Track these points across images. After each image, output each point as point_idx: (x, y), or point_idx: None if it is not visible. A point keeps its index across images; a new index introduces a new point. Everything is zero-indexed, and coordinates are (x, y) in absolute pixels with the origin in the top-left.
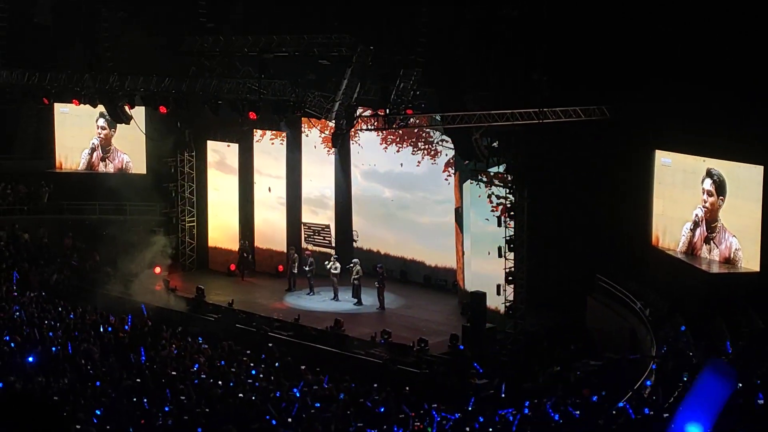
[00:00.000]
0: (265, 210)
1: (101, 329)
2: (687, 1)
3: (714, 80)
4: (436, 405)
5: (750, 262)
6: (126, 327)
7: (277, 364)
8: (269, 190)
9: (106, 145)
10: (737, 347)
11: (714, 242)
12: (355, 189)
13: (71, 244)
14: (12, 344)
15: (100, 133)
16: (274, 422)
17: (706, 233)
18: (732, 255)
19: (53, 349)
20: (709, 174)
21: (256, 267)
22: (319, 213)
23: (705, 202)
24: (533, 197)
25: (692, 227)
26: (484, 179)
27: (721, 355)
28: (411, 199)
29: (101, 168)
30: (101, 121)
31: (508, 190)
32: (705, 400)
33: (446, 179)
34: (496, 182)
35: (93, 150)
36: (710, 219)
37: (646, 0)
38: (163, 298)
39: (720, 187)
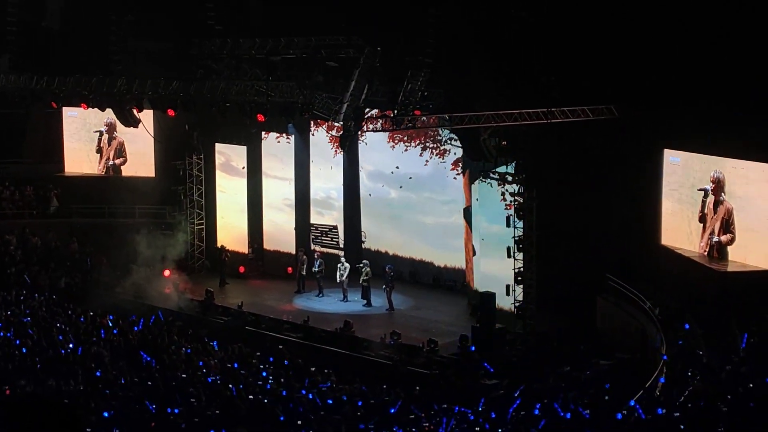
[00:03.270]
0: (273, 212)
1: (111, 332)
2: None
3: (722, 78)
4: (446, 406)
5: (761, 261)
6: (135, 329)
7: (286, 365)
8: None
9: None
10: (749, 346)
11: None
12: (362, 190)
13: (77, 248)
14: (23, 349)
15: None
16: (284, 424)
17: (717, 230)
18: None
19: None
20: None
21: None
22: (324, 214)
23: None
24: (542, 197)
25: (701, 225)
26: (496, 177)
27: (731, 354)
28: (417, 200)
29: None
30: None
31: (519, 188)
32: None
33: (454, 178)
34: (509, 179)
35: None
36: (715, 216)
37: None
38: (173, 300)
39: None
